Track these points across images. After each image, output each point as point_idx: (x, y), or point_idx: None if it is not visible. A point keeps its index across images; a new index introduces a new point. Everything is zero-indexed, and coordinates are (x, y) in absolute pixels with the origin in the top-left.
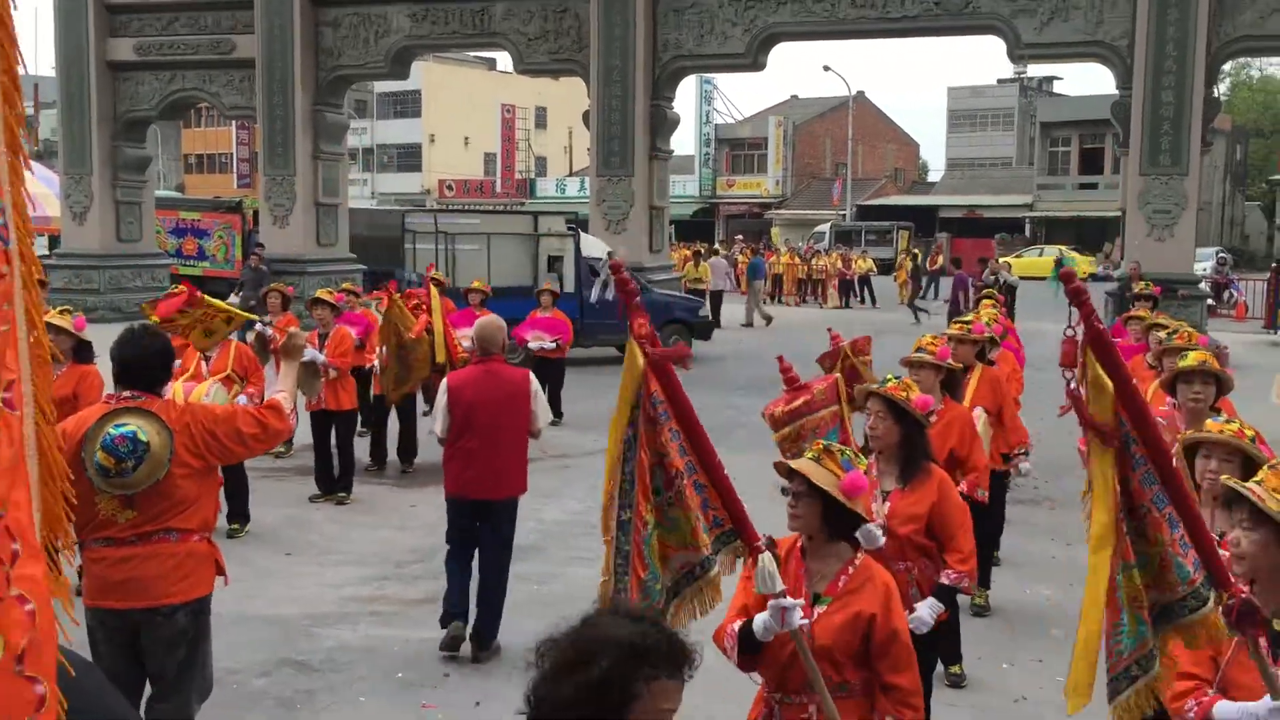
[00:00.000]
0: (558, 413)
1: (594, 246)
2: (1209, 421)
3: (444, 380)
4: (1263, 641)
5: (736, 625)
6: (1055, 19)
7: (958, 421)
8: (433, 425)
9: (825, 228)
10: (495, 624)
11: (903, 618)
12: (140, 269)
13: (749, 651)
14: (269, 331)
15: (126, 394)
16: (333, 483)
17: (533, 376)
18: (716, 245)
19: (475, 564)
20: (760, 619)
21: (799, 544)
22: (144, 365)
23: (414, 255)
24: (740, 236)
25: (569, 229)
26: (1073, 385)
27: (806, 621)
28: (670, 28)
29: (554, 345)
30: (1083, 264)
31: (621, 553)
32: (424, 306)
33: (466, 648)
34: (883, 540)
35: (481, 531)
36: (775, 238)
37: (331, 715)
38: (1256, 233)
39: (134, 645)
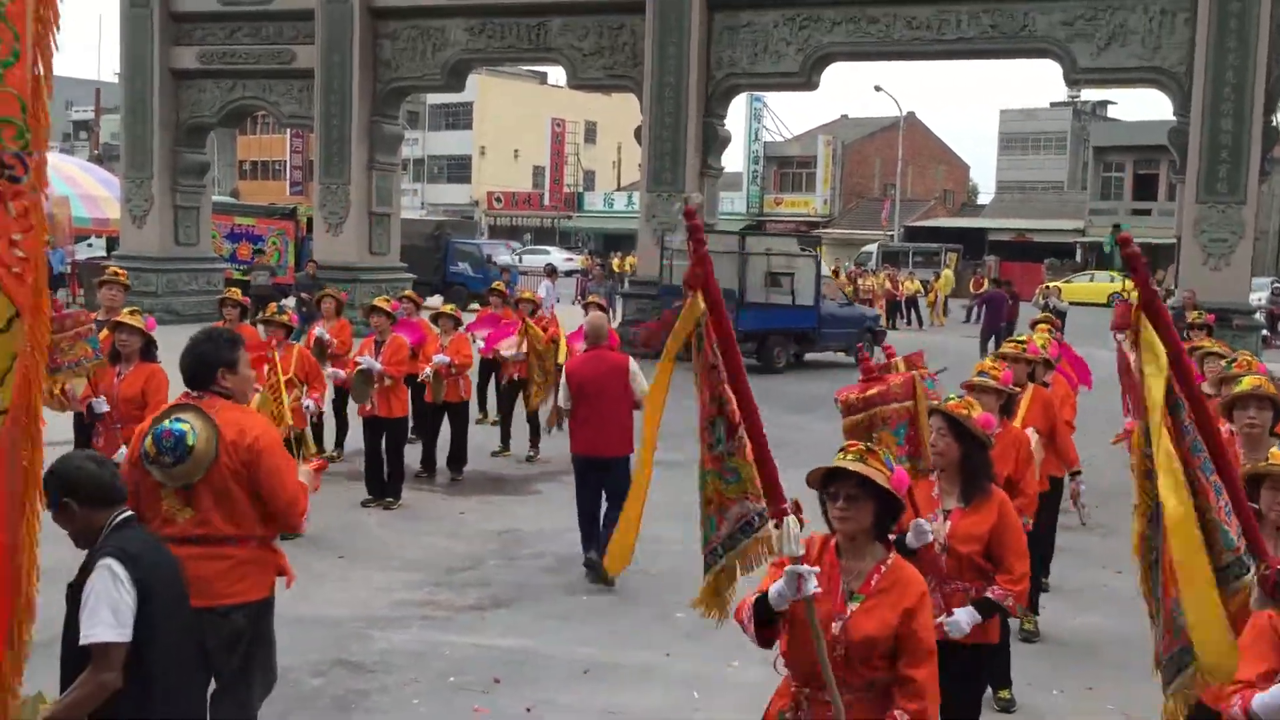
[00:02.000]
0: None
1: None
2: (1274, 450)
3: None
4: None
5: (754, 595)
6: (1113, 44)
7: (1014, 445)
8: (558, 398)
9: (873, 248)
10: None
11: (928, 618)
12: (196, 273)
13: (764, 623)
14: (326, 336)
15: (194, 394)
16: (383, 488)
17: (632, 359)
18: None
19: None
20: (776, 585)
21: (833, 543)
22: (200, 366)
23: (671, 271)
24: None
25: (803, 250)
26: (1123, 345)
27: (818, 589)
28: (724, 46)
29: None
30: (1134, 291)
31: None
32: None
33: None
34: (930, 536)
35: (602, 483)
36: (823, 257)
37: (385, 716)
38: None
39: (199, 642)
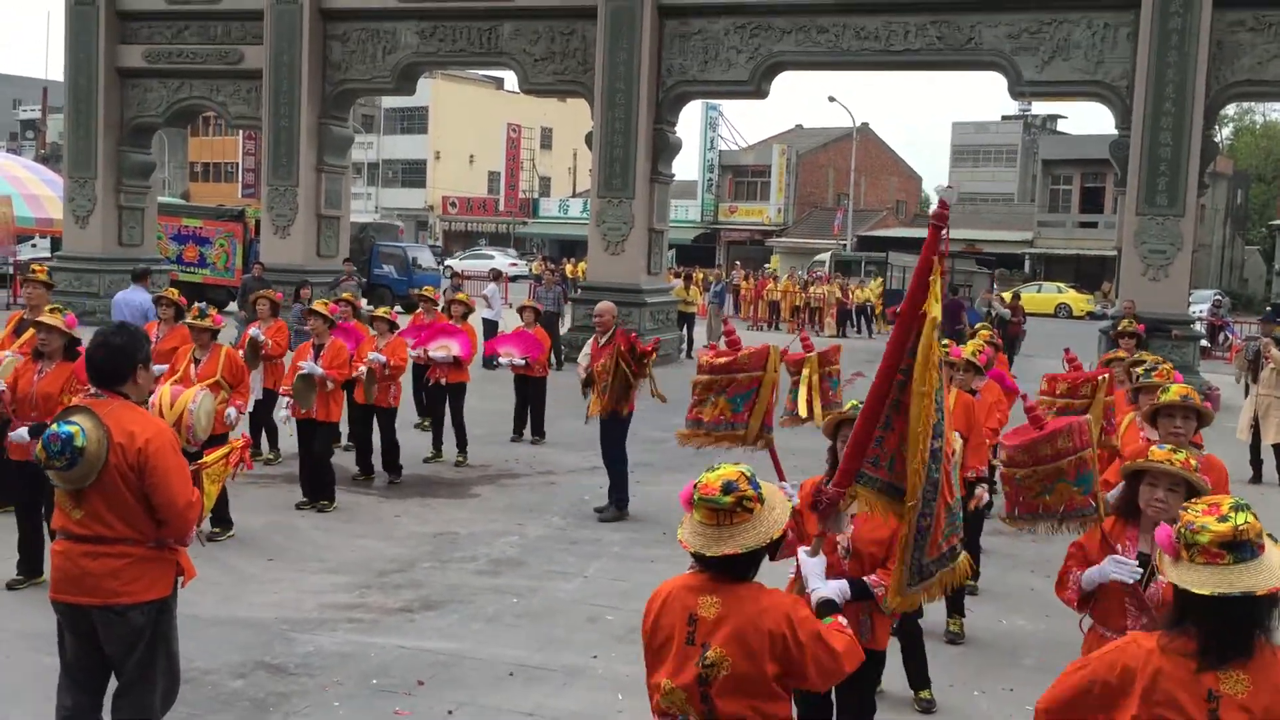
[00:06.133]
0: (539, 431)
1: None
2: (1154, 449)
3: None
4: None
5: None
6: (1056, 58)
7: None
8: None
9: (825, 257)
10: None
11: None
12: None
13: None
14: (261, 337)
15: (93, 391)
16: (317, 490)
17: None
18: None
19: None
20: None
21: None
22: (105, 362)
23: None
24: (739, 263)
25: (978, 267)
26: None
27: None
28: (675, 53)
29: (523, 362)
30: (1080, 302)
31: (931, 480)
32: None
33: None
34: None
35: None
36: (774, 265)
37: (303, 719)
38: (1255, 276)
39: (95, 639)
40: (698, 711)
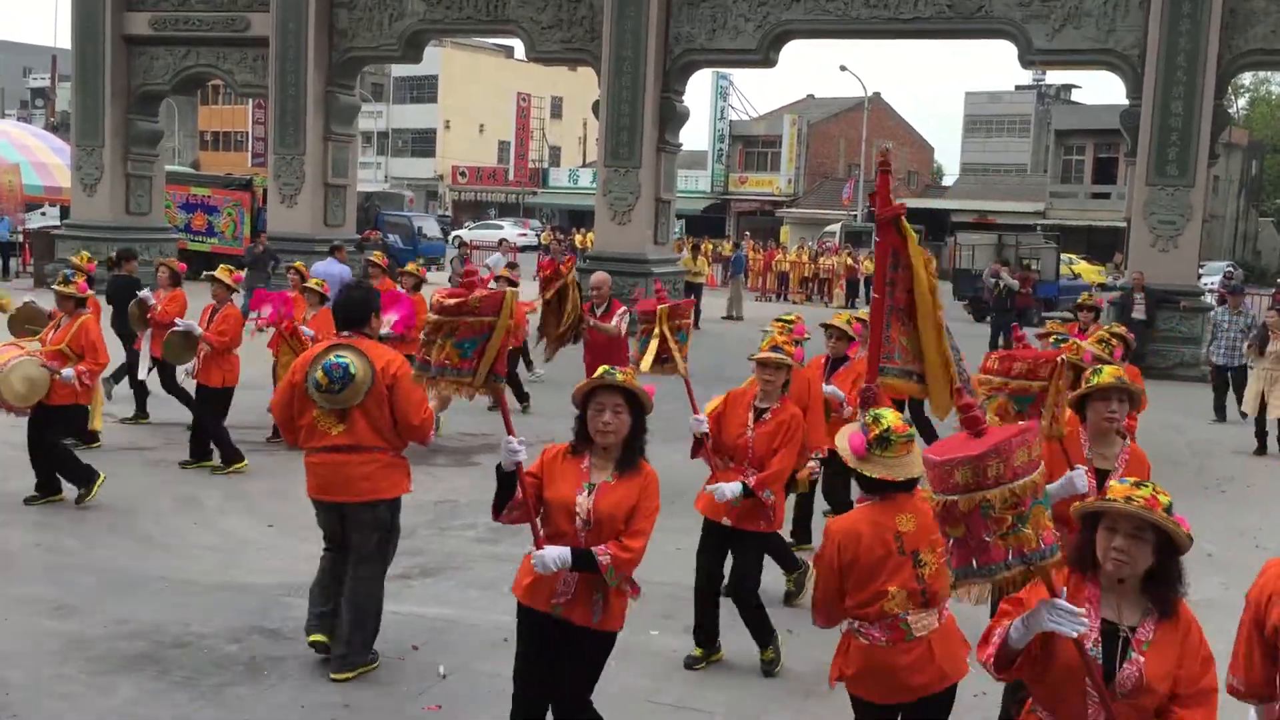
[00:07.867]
0: (522, 395)
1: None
2: (1112, 485)
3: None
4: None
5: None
6: (1067, 26)
7: (788, 423)
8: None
9: (836, 227)
10: None
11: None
12: (149, 242)
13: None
14: (151, 299)
15: (346, 334)
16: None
17: (622, 309)
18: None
19: None
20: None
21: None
22: (354, 309)
23: (972, 255)
24: (748, 233)
25: (1046, 242)
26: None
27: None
28: (683, 21)
29: None
30: (1092, 273)
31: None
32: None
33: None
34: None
35: None
36: (784, 236)
37: (296, 682)
38: (1269, 248)
39: (343, 524)
40: (917, 604)
